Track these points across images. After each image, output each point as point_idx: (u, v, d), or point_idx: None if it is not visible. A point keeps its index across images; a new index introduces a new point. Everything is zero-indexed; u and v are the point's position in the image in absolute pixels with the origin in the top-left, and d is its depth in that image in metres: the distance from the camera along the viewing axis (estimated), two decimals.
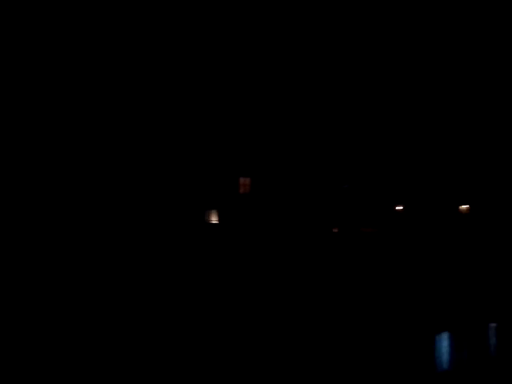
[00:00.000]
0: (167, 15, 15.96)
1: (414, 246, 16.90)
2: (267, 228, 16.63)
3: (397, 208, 17.10)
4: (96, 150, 15.57)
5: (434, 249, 16.86)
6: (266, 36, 16.64)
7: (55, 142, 15.09)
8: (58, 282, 14.19)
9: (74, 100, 15.33)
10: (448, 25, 16.82)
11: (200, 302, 14.98)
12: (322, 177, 17.05)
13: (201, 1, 15.92)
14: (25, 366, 11.38)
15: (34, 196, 14.60)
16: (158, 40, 15.99)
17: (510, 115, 17.36)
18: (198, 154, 16.85)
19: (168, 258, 15.59)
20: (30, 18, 15.05)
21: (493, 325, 16.73)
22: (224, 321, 14.40)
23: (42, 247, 14.39)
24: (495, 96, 17.53)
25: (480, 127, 17.39)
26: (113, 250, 15.11)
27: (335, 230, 16.93)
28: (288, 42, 16.73)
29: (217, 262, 15.88)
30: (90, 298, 14.11)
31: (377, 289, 16.09)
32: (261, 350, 13.29)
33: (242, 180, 17.26)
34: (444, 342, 16.03)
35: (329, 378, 13.68)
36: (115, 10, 15.55)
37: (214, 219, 16.85)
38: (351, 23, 16.81)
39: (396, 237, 16.94)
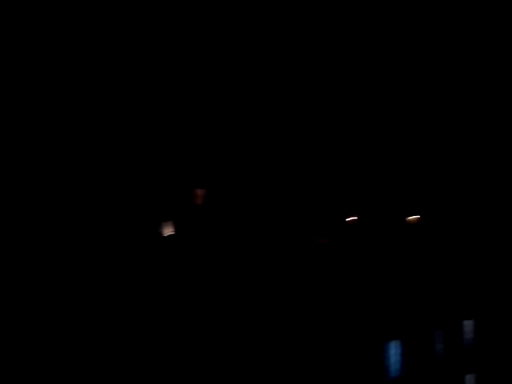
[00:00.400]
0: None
1: (366, 256, 17.30)
2: (223, 240, 16.55)
3: (350, 218, 17.43)
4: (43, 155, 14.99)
5: (385, 258, 17.33)
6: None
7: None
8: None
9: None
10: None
11: (153, 315, 14.77)
12: (278, 188, 17.12)
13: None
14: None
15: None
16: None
17: (456, 131, 17.98)
18: (151, 164, 16.51)
19: (119, 272, 15.23)
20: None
21: (440, 331, 17.46)
22: (175, 333, 14.29)
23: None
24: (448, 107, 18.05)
25: (429, 141, 17.94)
26: (58, 262, 14.62)
27: (290, 241, 17.08)
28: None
29: (170, 275, 15.67)
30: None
31: (330, 298, 16.38)
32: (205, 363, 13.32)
33: (197, 191, 17.08)
34: (393, 350, 16.56)
35: None
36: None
37: (169, 231, 16.61)
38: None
39: (349, 247, 17.28)
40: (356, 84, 17.29)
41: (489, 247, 18.30)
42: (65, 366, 11.87)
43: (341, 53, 16.80)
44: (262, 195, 17.03)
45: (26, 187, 14.76)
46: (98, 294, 14.58)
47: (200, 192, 17.32)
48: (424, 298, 17.13)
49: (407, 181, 17.58)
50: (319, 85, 17.21)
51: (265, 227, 16.98)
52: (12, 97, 14.55)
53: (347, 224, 17.37)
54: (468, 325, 17.71)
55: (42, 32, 14.78)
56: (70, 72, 15.20)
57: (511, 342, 17.70)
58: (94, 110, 15.71)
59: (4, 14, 14.27)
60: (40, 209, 14.84)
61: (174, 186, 16.60)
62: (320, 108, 17.04)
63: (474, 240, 18.21)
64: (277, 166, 17.12)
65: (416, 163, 17.76)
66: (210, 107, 16.65)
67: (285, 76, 17.10)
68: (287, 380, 14.60)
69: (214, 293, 15.59)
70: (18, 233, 14.29)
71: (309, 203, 17.21)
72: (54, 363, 12.03)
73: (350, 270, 16.97)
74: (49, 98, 15.04)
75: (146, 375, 13.19)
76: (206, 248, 16.36)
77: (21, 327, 12.79)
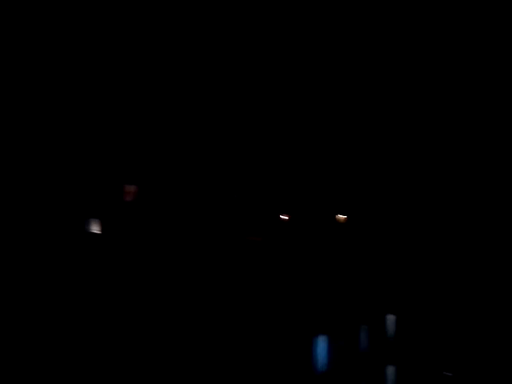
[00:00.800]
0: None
1: (296, 254, 17.67)
2: (153, 238, 16.21)
3: (282, 217, 17.72)
4: None
5: (315, 256, 17.80)
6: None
7: None
8: None
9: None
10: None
11: (80, 315, 14.21)
12: (211, 186, 17.04)
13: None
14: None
15: None
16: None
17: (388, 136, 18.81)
18: (77, 158, 15.83)
19: (43, 271, 14.48)
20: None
21: (365, 326, 18.22)
22: (100, 333, 13.86)
23: None
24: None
25: (357, 144, 18.62)
26: None
27: (223, 239, 17.07)
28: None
29: (98, 276, 15.11)
30: None
31: (259, 294, 16.56)
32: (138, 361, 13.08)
33: (127, 187, 16.60)
34: (321, 345, 17.04)
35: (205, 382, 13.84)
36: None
37: (96, 229, 16.00)
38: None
39: (280, 245, 17.57)
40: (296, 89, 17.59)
41: (410, 246, 19.38)
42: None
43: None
44: (195, 193, 16.88)
45: None
46: (26, 290, 13.83)
47: (130, 189, 16.85)
48: (350, 294, 17.78)
49: (336, 182, 18.19)
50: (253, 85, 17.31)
51: (196, 225, 16.85)
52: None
53: (279, 222, 17.66)
54: (391, 319, 18.63)
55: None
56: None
57: (430, 336, 18.89)
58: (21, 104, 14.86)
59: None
60: None
61: (102, 183, 16.02)
62: (257, 108, 17.17)
63: (396, 239, 19.20)
64: (209, 165, 17.04)
65: (344, 166, 18.41)
66: (139, 105, 16.25)
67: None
68: (214, 375, 14.62)
69: (142, 290, 15.26)
70: None
71: (240, 202, 17.30)
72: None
73: (279, 267, 17.25)
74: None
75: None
76: (135, 246, 15.96)
77: None
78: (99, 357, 13.15)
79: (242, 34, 16.26)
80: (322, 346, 17.00)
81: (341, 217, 18.32)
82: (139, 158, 16.70)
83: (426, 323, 19.07)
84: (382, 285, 18.63)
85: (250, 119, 17.59)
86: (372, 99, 17.97)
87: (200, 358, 14.37)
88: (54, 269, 14.58)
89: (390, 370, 18.49)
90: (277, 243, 17.47)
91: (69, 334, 13.67)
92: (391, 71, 17.68)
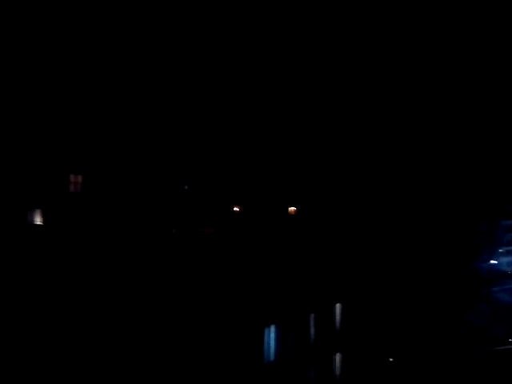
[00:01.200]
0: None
1: (248, 245, 17.66)
2: (101, 230, 15.53)
3: (234, 209, 17.61)
4: None
5: (266, 247, 17.89)
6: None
7: None
8: None
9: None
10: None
11: (25, 307, 13.44)
12: (161, 177, 16.55)
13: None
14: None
15: None
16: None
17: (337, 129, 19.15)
18: (20, 147, 14.82)
19: None
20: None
21: (313, 315, 18.64)
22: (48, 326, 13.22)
23: None
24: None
25: (308, 136, 18.84)
26: None
27: (174, 231, 16.69)
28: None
29: (42, 268, 14.28)
30: None
31: (213, 287, 16.41)
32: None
33: (72, 177, 15.75)
34: (271, 335, 17.26)
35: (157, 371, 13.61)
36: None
37: (39, 220, 15.07)
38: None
39: (233, 237, 17.47)
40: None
41: (357, 238, 19.99)
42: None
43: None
44: (145, 184, 16.34)
45: None
46: None
47: (76, 179, 16.00)
48: (299, 285, 18.08)
49: (287, 175, 18.30)
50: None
51: (146, 217, 16.35)
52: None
53: (231, 214, 17.52)
54: (338, 308, 19.19)
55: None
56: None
57: (376, 324, 19.68)
58: None
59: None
60: None
61: (46, 172, 15.09)
62: (209, 101, 16.82)
63: (344, 231, 19.73)
64: (159, 156, 16.55)
65: (296, 161, 18.56)
66: (84, 97, 15.48)
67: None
68: (164, 365, 14.40)
69: (91, 283, 14.65)
70: None
71: (192, 194, 16.97)
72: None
73: (230, 259, 17.16)
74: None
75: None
76: (80, 238, 15.23)
77: None
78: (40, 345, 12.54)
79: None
80: (271, 336, 17.22)
81: (291, 209, 18.52)
82: (86, 148, 15.90)
83: (371, 312, 19.85)
84: (330, 275, 19.11)
85: (201, 111, 17.26)
86: (323, 96, 18.25)
87: (148, 347, 14.08)
88: None
89: (338, 358, 19.12)
90: (229, 235, 17.36)
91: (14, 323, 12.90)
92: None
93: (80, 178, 15.83)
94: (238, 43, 16.24)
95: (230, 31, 16.16)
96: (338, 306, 19.20)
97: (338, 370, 19.07)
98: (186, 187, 16.71)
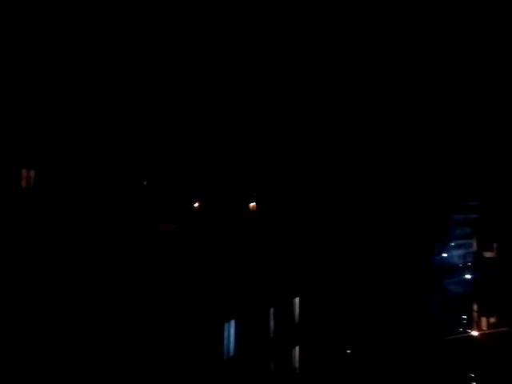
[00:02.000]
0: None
1: (208, 241, 17.60)
2: (54, 225, 15.12)
3: (194, 205, 17.52)
4: None
5: (227, 242, 17.89)
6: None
7: None
8: None
9: None
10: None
11: None
12: (119, 173, 16.27)
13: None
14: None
15: None
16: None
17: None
18: None
19: None
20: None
21: (272, 309, 18.80)
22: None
23: None
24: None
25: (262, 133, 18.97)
26: None
27: (132, 227, 16.45)
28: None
29: None
30: None
31: (172, 283, 16.29)
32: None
33: (24, 172, 15.26)
34: (231, 330, 17.28)
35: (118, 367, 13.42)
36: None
37: None
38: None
39: (193, 232, 17.37)
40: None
41: (315, 234, 20.31)
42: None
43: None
44: (102, 180, 16.00)
45: None
46: None
47: (27, 174, 15.48)
48: (259, 280, 18.19)
49: (249, 172, 18.36)
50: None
51: (105, 213, 16.02)
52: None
53: (191, 210, 17.41)
54: (297, 302, 19.44)
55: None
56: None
57: (334, 316, 20.09)
58: None
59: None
60: None
61: None
62: (166, 96, 16.63)
63: (302, 228, 19.99)
64: (119, 151, 16.25)
65: (257, 158, 18.65)
66: (38, 91, 15.01)
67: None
68: (122, 361, 14.22)
69: (47, 278, 14.26)
70: None
71: (151, 190, 16.75)
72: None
73: (190, 255, 17.08)
74: None
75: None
76: (32, 234, 14.77)
77: None
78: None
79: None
80: (230, 331, 17.25)
81: (252, 205, 18.61)
82: (39, 143, 15.42)
83: (329, 305, 20.22)
84: (289, 270, 19.33)
85: (157, 106, 17.05)
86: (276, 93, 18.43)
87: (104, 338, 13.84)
88: None
89: (297, 351, 19.38)
90: (190, 230, 17.25)
91: None
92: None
93: (33, 174, 15.37)
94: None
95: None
96: (296, 300, 19.46)
97: (296, 363, 19.35)
98: (145, 183, 16.50)
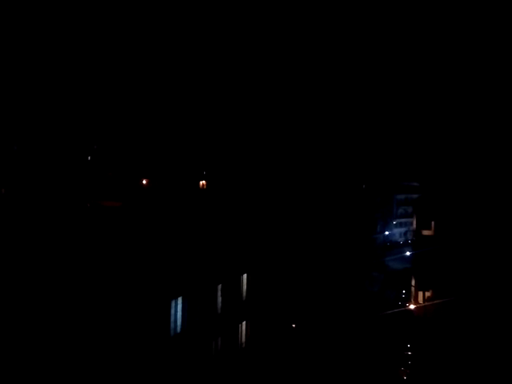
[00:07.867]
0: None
1: (156, 218, 17.44)
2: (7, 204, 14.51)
3: (142, 182, 17.23)
4: None
5: (174, 219, 17.79)
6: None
7: None
8: None
9: None
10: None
11: None
12: (62, 147, 15.70)
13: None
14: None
15: None
16: None
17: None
18: None
19: None
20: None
21: (220, 286, 18.98)
22: None
23: None
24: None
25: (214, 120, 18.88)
26: None
27: (75, 204, 16.00)
28: None
29: None
30: None
31: (119, 260, 16.08)
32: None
33: None
34: (178, 307, 17.32)
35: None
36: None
37: None
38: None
39: (141, 210, 17.13)
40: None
41: (262, 212, 20.54)
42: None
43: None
44: (45, 154, 15.40)
45: None
46: None
47: None
48: (206, 256, 18.28)
49: (199, 149, 18.23)
50: None
51: (46, 188, 15.48)
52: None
53: (138, 187, 17.09)
54: (244, 279, 19.72)
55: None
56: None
57: (280, 292, 20.53)
58: None
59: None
60: None
61: None
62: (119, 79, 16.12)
63: (250, 205, 20.17)
64: (61, 123, 15.65)
65: (207, 135, 18.52)
66: None
67: None
68: (70, 338, 14.07)
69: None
70: None
71: (96, 165, 16.29)
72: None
73: (137, 232, 16.88)
74: None
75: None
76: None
77: None
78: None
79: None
80: (177, 308, 17.29)
81: (202, 182, 18.55)
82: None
83: (275, 281, 20.65)
84: (236, 246, 19.51)
85: (111, 76, 16.56)
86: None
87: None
88: None
89: (243, 326, 19.74)
90: (136, 208, 17.00)
91: None
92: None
93: None
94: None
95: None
96: (244, 276, 19.74)
97: (243, 338, 19.74)
98: (89, 158, 16.03)
